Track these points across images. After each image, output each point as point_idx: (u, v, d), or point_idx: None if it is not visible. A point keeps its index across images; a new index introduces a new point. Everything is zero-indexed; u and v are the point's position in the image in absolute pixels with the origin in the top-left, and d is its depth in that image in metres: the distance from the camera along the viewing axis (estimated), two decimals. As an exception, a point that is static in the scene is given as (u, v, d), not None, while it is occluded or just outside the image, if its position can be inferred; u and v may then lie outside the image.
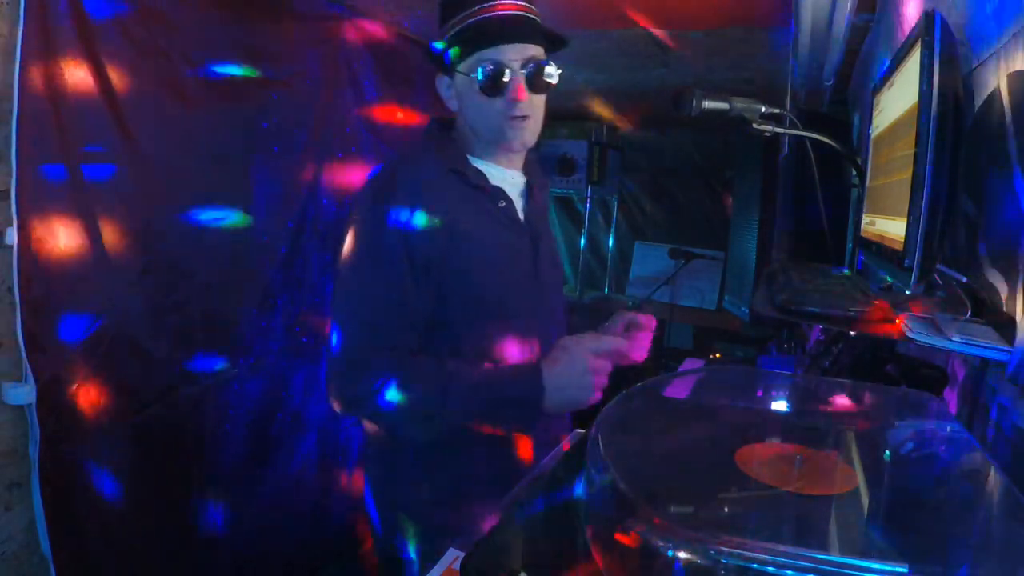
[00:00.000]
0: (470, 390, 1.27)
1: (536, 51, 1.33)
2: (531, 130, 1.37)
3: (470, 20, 1.31)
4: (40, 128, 1.51)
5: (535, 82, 1.33)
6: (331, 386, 1.32)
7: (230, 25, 1.97)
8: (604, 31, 2.51)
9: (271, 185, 2.17)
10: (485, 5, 1.30)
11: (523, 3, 1.33)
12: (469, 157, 1.40)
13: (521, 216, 1.45)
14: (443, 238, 1.30)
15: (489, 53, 1.30)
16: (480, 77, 1.30)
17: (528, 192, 1.47)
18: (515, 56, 1.30)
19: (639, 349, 1.41)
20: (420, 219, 1.30)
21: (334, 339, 1.31)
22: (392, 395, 1.26)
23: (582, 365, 1.29)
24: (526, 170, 1.49)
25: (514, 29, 1.31)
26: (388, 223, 1.29)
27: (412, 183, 1.31)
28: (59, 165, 1.57)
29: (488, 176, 1.39)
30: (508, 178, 1.44)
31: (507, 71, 1.30)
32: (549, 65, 1.34)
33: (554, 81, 1.35)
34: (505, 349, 1.39)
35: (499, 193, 1.40)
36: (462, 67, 1.33)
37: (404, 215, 1.29)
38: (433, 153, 1.39)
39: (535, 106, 1.36)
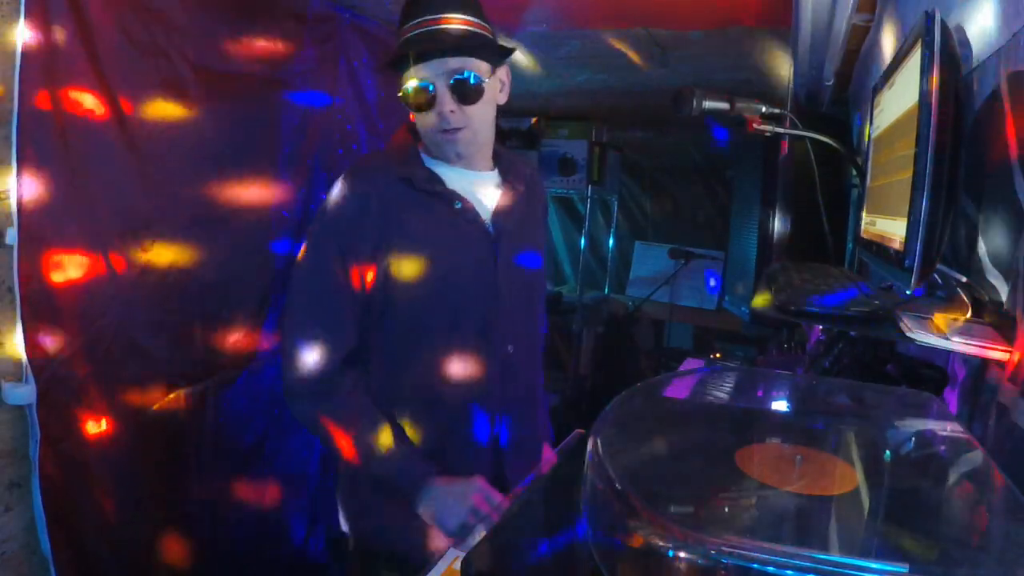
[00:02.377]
0: (368, 457, 1.33)
1: (463, 63, 1.33)
2: (466, 141, 1.37)
3: (402, 38, 1.35)
4: (40, 128, 1.51)
5: (463, 95, 1.33)
6: (285, 387, 1.39)
7: (230, 25, 1.97)
8: (604, 31, 2.51)
9: (271, 185, 2.17)
10: (414, 22, 1.33)
11: (456, 15, 1.33)
12: (429, 161, 1.41)
13: (486, 219, 1.41)
14: (388, 249, 1.33)
15: (416, 70, 1.32)
16: (406, 93, 1.34)
17: (501, 192, 1.45)
18: (439, 72, 1.31)
19: None
20: (363, 231, 1.33)
21: (285, 347, 1.37)
22: (317, 422, 1.37)
23: (470, 502, 1.27)
24: (500, 167, 1.47)
25: (434, 44, 1.31)
26: (330, 235, 1.35)
27: (359, 194, 1.34)
28: (59, 165, 1.57)
29: (444, 179, 1.39)
30: (470, 178, 1.42)
31: (432, 86, 1.32)
32: (475, 76, 1.33)
33: (484, 92, 1.35)
34: (446, 375, 1.36)
35: (454, 196, 1.38)
36: (401, 82, 1.36)
37: (346, 227, 1.34)
38: (386, 160, 1.42)
39: (469, 117, 1.35)
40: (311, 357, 1.33)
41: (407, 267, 1.33)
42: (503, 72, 1.42)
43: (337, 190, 1.37)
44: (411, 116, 1.42)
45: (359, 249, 1.33)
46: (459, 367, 1.37)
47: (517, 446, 1.44)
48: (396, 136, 1.50)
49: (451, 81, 1.32)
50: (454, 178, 1.40)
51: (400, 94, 1.37)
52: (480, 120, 1.38)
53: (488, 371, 1.39)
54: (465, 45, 1.33)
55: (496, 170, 1.48)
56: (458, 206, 1.38)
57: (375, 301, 1.35)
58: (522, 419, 1.47)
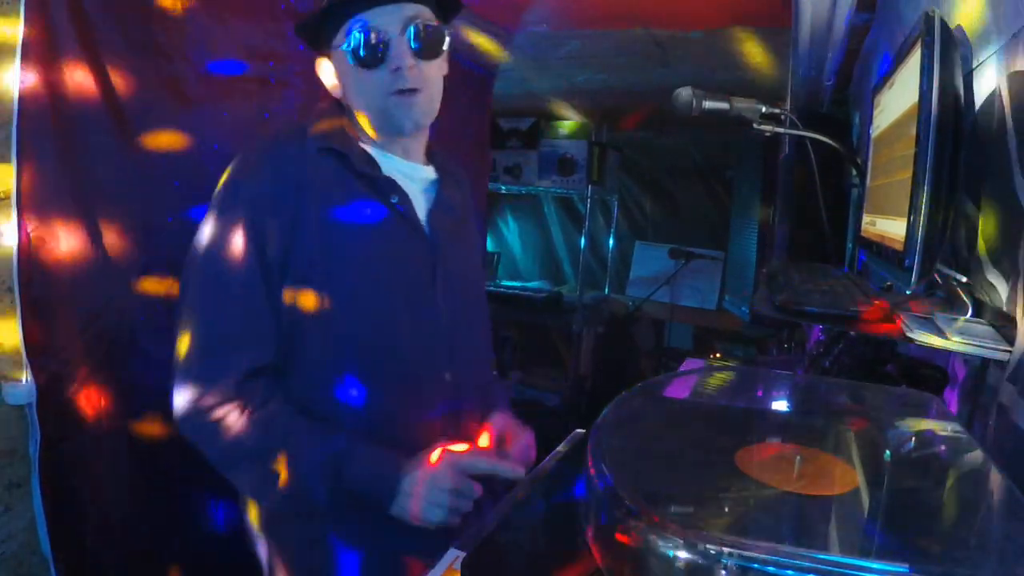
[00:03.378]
0: (314, 466, 1.07)
1: (419, 11, 1.11)
2: (423, 107, 1.14)
3: None
4: (40, 128, 1.51)
5: (423, 47, 1.10)
6: (173, 393, 1.15)
7: (230, 25, 1.97)
8: (604, 31, 2.51)
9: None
10: None
11: None
12: (363, 144, 1.17)
13: (423, 219, 1.19)
14: (307, 236, 1.08)
15: (363, 18, 1.08)
16: (352, 46, 1.09)
17: (437, 190, 1.23)
18: (393, 18, 1.09)
19: (519, 461, 1.19)
20: (279, 208, 1.08)
21: (179, 342, 1.12)
22: (223, 438, 1.10)
23: (446, 483, 1.07)
24: (435, 163, 1.26)
25: None
26: (239, 212, 1.09)
27: (274, 163, 1.10)
28: (59, 165, 1.57)
29: (380, 164, 1.15)
30: (407, 171, 1.19)
31: (385, 35, 1.08)
32: (434, 26, 1.12)
33: (445, 45, 1.15)
34: (370, 399, 1.12)
35: (390, 185, 1.15)
36: (336, 40, 1.12)
37: (259, 203, 1.08)
38: (309, 129, 1.15)
39: (426, 77, 1.13)
40: (218, 361, 1.09)
41: (328, 268, 1.10)
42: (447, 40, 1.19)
43: (244, 159, 1.13)
44: (331, 93, 1.20)
45: (274, 235, 1.08)
46: (394, 394, 1.15)
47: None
48: (317, 111, 1.22)
49: (410, 30, 1.10)
50: (387, 165, 1.17)
51: (329, 56, 1.15)
52: (436, 85, 1.17)
53: (425, 397, 1.17)
54: None
55: (431, 165, 1.26)
56: (394, 200, 1.15)
57: (290, 309, 1.11)
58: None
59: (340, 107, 1.22)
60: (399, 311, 1.15)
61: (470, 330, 1.27)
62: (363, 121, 1.17)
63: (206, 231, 1.14)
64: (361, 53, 1.09)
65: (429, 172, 1.24)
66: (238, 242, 1.08)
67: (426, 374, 1.18)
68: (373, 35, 1.08)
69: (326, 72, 1.20)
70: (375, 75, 1.11)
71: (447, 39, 1.16)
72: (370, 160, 1.15)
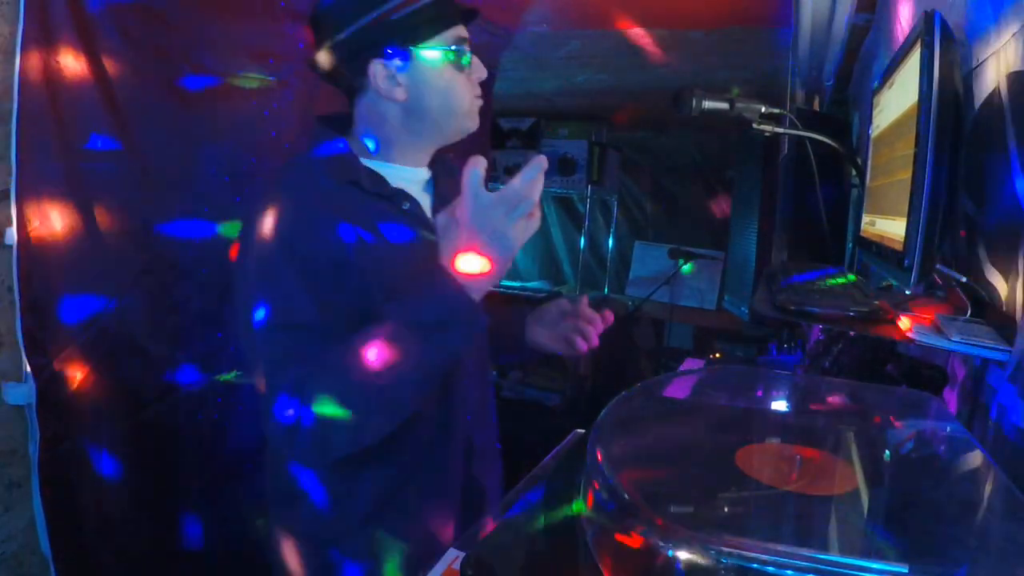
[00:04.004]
0: (400, 329, 1.08)
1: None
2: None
3: (409, 7, 1.19)
4: (40, 128, 1.51)
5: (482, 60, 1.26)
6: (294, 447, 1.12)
7: (230, 25, 1.96)
8: (604, 31, 2.51)
9: (271, 185, 2.17)
10: None
11: None
12: (363, 161, 1.25)
13: (430, 215, 1.29)
14: (344, 253, 1.16)
15: (457, 32, 1.22)
16: (455, 53, 1.21)
17: (434, 188, 1.33)
18: (465, 35, 1.24)
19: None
20: (316, 234, 1.15)
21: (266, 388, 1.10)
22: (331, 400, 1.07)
23: (497, 219, 1.05)
24: (434, 164, 1.35)
25: (462, 8, 1.24)
26: (284, 240, 1.14)
27: (303, 197, 1.17)
28: (59, 165, 1.57)
29: (386, 178, 1.24)
30: (409, 175, 1.29)
31: (466, 47, 1.23)
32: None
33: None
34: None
35: (400, 195, 1.25)
36: (430, 44, 1.20)
37: (299, 230, 1.14)
38: (323, 164, 1.23)
39: None
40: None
41: (364, 275, 1.17)
42: None
43: (275, 195, 1.18)
44: (388, 95, 1.22)
45: (318, 257, 1.14)
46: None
47: (483, 453, 1.35)
48: (314, 136, 1.29)
49: (471, 47, 1.25)
50: (393, 175, 1.26)
51: (398, 64, 1.20)
52: None
53: (454, 409, 1.26)
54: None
55: (424, 167, 1.34)
56: (406, 206, 1.24)
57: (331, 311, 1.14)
58: (483, 427, 1.37)
59: (333, 121, 1.29)
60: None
61: None
62: (429, 122, 1.26)
63: (268, 296, 1.16)
64: (463, 61, 1.23)
65: (425, 173, 1.32)
66: (304, 300, 1.12)
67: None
68: (463, 45, 1.22)
69: (387, 76, 1.22)
70: (459, 82, 1.24)
71: None
72: (376, 178, 1.23)
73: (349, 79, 1.24)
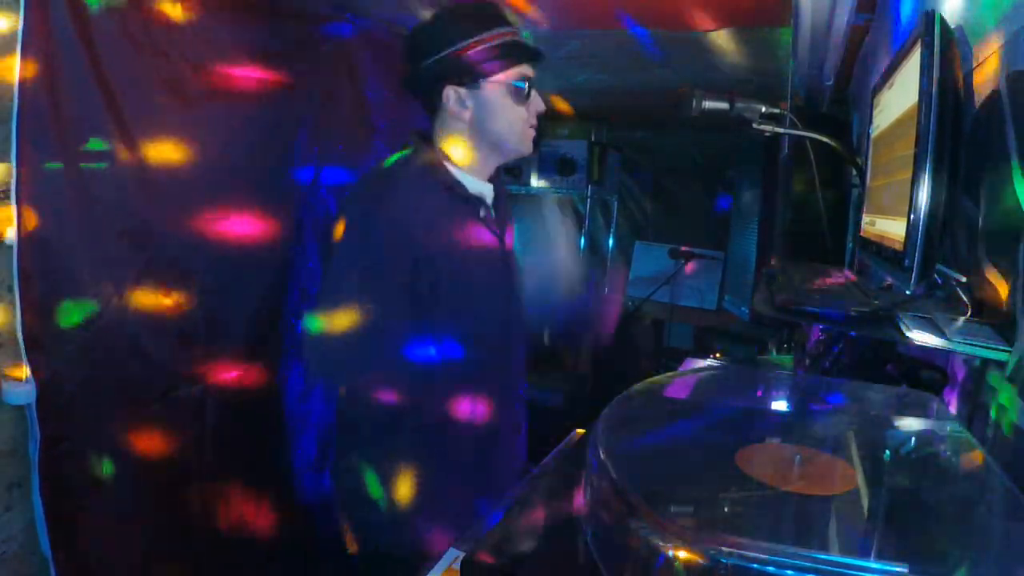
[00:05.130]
0: None
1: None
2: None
3: (506, 38, 1.46)
4: (40, 128, 1.51)
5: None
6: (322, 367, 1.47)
7: (230, 25, 1.97)
8: (604, 31, 2.51)
9: (271, 185, 2.17)
10: (509, 28, 1.48)
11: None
12: (448, 167, 1.49)
13: (496, 225, 1.54)
14: (436, 249, 1.40)
15: (525, 69, 1.48)
16: (519, 87, 1.47)
17: (496, 200, 1.56)
18: (529, 73, 1.49)
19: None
20: (415, 231, 1.38)
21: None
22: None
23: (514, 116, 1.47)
24: (493, 180, 1.58)
25: (534, 51, 1.50)
26: (386, 232, 1.38)
27: (406, 194, 1.41)
28: (59, 165, 1.57)
29: (467, 186, 1.49)
30: (480, 188, 1.53)
31: (530, 83, 1.49)
32: None
33: None
34: (478, 352, 1.46)
35: (479, 202, 1.49)
36: (497, 78, 1.45)
37: (400, 226, 1.38)
38: (419, 166, 1.48)
39: None
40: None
41: (454, 272, 1.41)
42: None
43: (382, 188, 1.42)
44: (457, 116, 1.48)
45: (413, 250, 1.38)
46: (484, 373, 1.49)
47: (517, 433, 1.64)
48: (412, 143, 1.53)
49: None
50: (471, 185, 1.50)
51: (468, 89, 1.46)
52: None
53: (511, 369, 1.56)
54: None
55: (488, 182, 1.58)
56: (483, 213, 1.49)
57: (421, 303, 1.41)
58: (518, 410, 1.66)
59: (421, 136, 1.52)
60: (489, 308, 1.49)
61: (520, 316, 1.59)
62: (490, 143, 1.50)
63: (361, 247, 1.39)
64: (525, 91, 1.48)
65: (489, 187, 1.56)
66: (390, 264, 1.37)
67: (507, 337, 1.53)
68: (527, 82, 1.48)
69: (458, 99, 1.47)
70: (519, 110, 1.48)
71: None
72: (460, 184, 1.47)
73: (430, 98, 1.49)
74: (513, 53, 1.46)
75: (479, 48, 1.44)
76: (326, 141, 2.34)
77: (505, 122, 1.48)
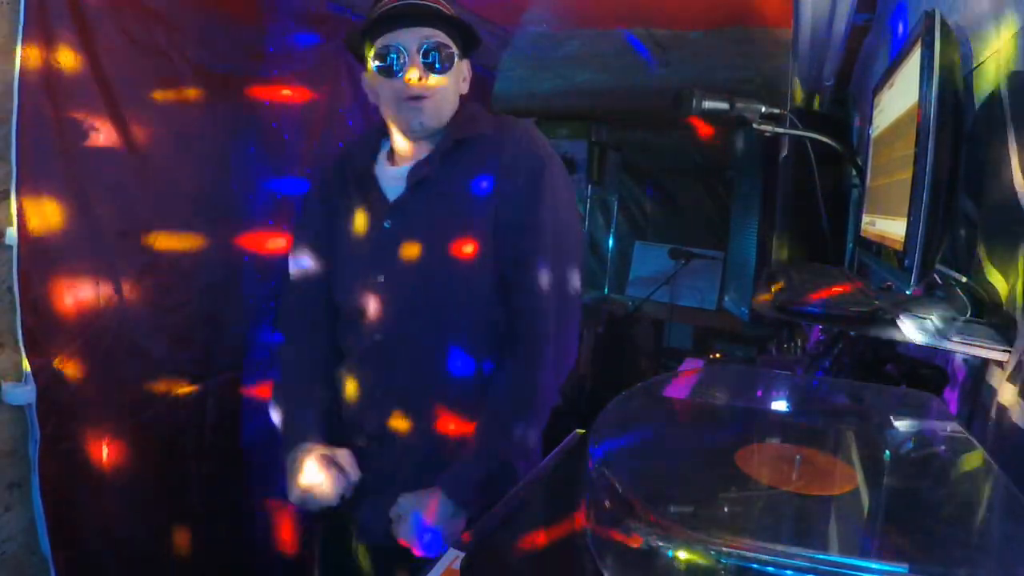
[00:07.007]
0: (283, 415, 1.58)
1: (434, 34, 1.35)
2: (430, 112, 1.36)
3: (376, 13, 1.36)
4: (40, 128, 1.51)
5: (432, 62, 1.34)
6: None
7: (230, 25, 1.97)
8: (604, 31, 2.51)
9: (272, 184, 2.17)
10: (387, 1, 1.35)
11: None
12: (385, 146, 1.48)
13: (388, 209, 1.40)
14: (326, 225, 1.49)
15: (387, 39, 1.34)
16: (378, 59, 1.35)
17: (427, 184, 1.38)
18: (410, 38, 1.33)
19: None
20: (316, 205, 1.51)
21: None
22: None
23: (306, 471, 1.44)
24: (426, 163, 1.39)
25: (407, 13, 1.33)
26: (307, 206, 1.55)
27: (323, 171, 1.55)
28: (59, 165, 1.57)
29: (376, 171, 1.46)
30: (395, 172, 1.42)
31: (400, 52, 1.33)
32: (446, 47, 1.36)
33: (453, 64, 1.37)
34: (347, 343, 1.49)
35: (371, 185, 1.45)
36: (369, 56, 1.38)
37: (312, 203, 1.53)
38: (354, 146, 1.51)
39: (434, 88, 1.35)
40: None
41: (335, 247, 1.48)
42: (466, 64, 1.45)
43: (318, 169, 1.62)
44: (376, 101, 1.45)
45: (315, 223, 1.52)
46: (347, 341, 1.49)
47: (384, 438, 1.42)
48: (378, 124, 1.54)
49: (422, 47, 1.34)
50: (379, 169, 1.47)
51: (366, 71, 1.41)
52: (444, 93, 1.38)
53: (359, 354, 1.46)
54: (439, 16, 1.35)
55: (414, 160, 1.42)
56: (371, 194, 1.46)
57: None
58: (409, 413, 1.41)
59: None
60: (360, 280, 1.43)
61: (416, 303, 1.39)
62: (390, 122, 1.42)
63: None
64: (383, 65, 1.35)
65: (401, 172, 1.42)
66: (303, 230, 1.58)
67: (378, 330, 1.41)
68: (390, 51, 1.34)
69: (364, 83, 1.45)
70: (391, 84, 1.35)
71: (456, 58, 1.38)
72: (365, 167, 1.46)
73: None
74: (372, 27, 1.35)
75: (364, 27, 1.38)
76: (326, 139, 2.34)
77: (382, 100, 1.40)
